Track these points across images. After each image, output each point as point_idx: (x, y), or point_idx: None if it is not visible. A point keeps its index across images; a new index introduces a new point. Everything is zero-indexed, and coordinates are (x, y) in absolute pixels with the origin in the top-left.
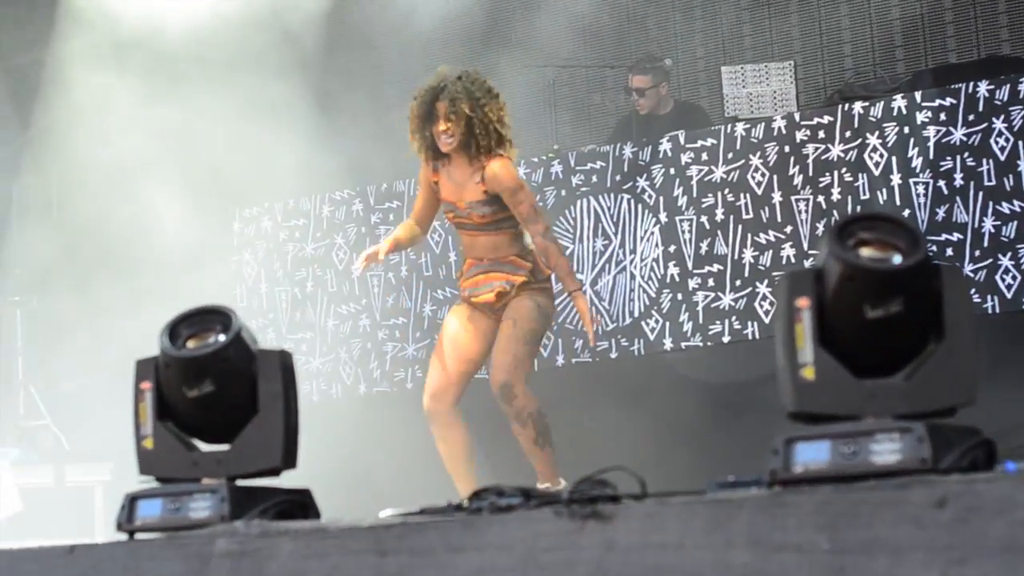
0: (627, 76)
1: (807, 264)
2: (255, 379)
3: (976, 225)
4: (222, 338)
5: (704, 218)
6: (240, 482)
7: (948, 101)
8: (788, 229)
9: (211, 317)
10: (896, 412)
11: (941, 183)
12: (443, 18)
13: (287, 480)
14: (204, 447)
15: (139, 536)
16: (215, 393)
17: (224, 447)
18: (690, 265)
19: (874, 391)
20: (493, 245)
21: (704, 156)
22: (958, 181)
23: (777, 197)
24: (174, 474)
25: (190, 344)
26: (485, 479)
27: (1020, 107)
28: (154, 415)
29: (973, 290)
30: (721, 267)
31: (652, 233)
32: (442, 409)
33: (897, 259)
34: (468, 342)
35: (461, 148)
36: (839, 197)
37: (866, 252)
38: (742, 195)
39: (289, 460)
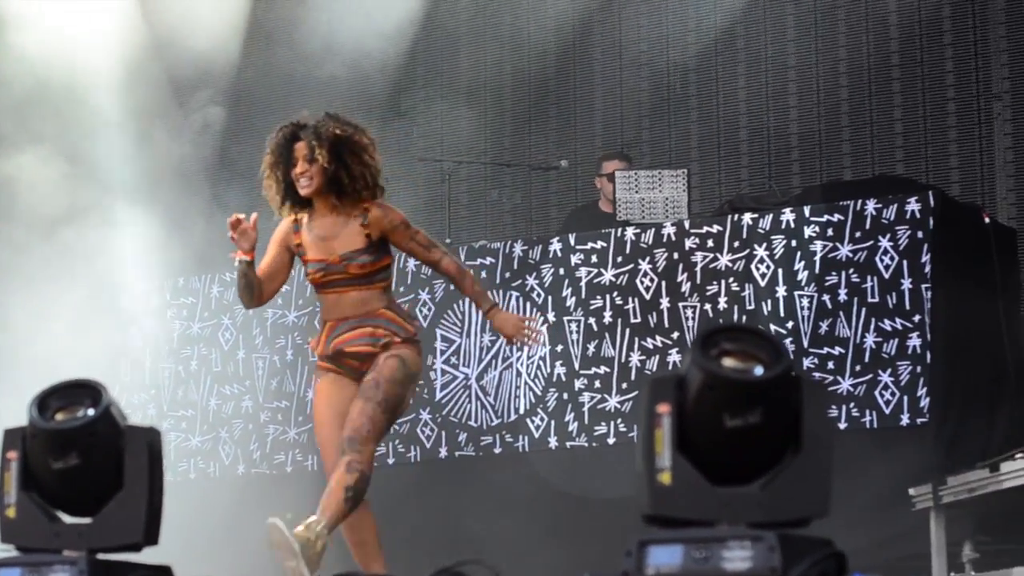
0: (598, 164)
1: None
2: (122, 454)
3: (858, 340)
4: (91, 412)
5: (592, 320)
6: (101, 556)
7: (836, 217)
8: (675, 335)
9: (81, 391)
10: (750, 520)
11: (826, 297)
12: (346, 92)
13: (150, 556)
14: (68, 519)
15: None
16: (81, 466)
17: (87, 520)
18: (577, 365)
19: (729, 499)
20: (362, 300)
21: (594, 258)
22: (842, 296)
23: (665, 303)
24: (36, 544)
25: (59, 416)
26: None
27: (906, 227)
28: (18, 484)
29: (852, 404)
30: (608, 369)
31: (539, 332)
32: None
33: (759, 370)
34: (349, 411)
35: (324, 193)
36: (725, 306)
37: (728, 362)
38: (630, 299)
39: (151, 536)
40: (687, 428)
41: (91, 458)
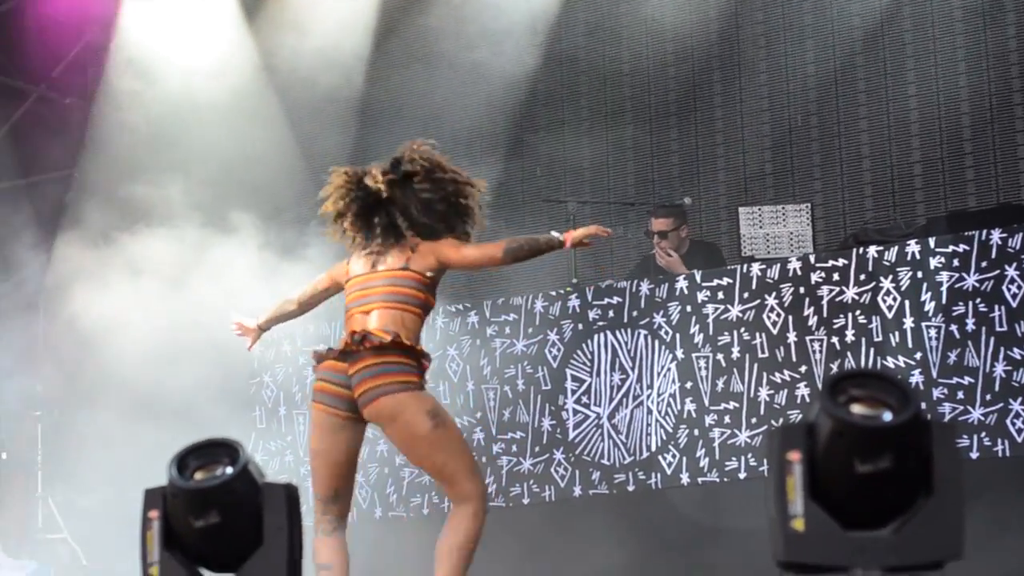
0: (648, 220)
1: None
2: (260, 511)
3: (987, 370)
4: (229, 470)
5: (720, 355)
6: None
7: (961, 247)
8: (803, 369)
9: (219, 449)
10: (884, 565)
11: (953, 327)
12: (469, 131)
13: None
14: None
15: None
16: (221, 524)
17: None
18: (706, 401)
19: (863, 544)
20: None
21: (720, 295)
22: (970, 326)
23: (792, 337)
24: None
25: (198, 475)
26: None
27: None
28: (161, 543)
29: (984, 433)
30: (737, 404)
31: (669, 369)
32: None
33: (887, 416)
34: None
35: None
36: (853, 339)
37: (857, 409)
38: (758, 334)
39: None
40: (818, 475)
41: (231, 515)
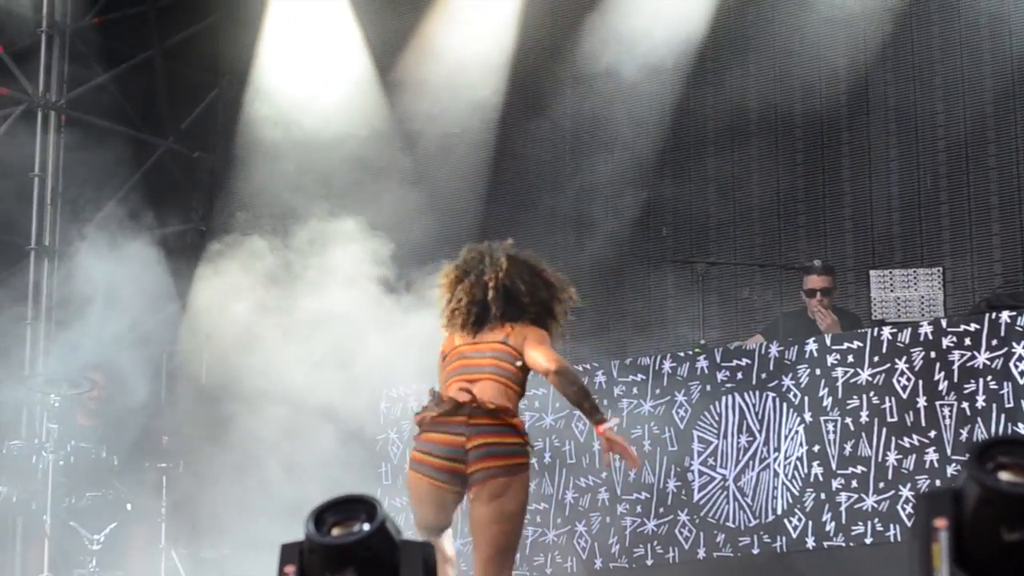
0: (803, 278)
1: (951, 469)
2: (397, 569)
3: None
4: (366, 527)
5: (849, 419)
6: None
7: None
8: (932, 434)
9: (357, 506)
10: None
11: None
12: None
13: None
14: None
15: None
16: None
17: None
18: (834, 465)
19: None
20: None
21: (850, 358)
22: None
23: (922, 401)
24: None
25: (335, 531)
26: None
27: None
28: None
29: None
30: (865, 468)
31: (796, 432)
32: None
33: None
34: None
35: None
36: (984, 404)
37: (1005, 476)
38: (887, 398)
39: None
40: (964, 542)
41: (367, 572)
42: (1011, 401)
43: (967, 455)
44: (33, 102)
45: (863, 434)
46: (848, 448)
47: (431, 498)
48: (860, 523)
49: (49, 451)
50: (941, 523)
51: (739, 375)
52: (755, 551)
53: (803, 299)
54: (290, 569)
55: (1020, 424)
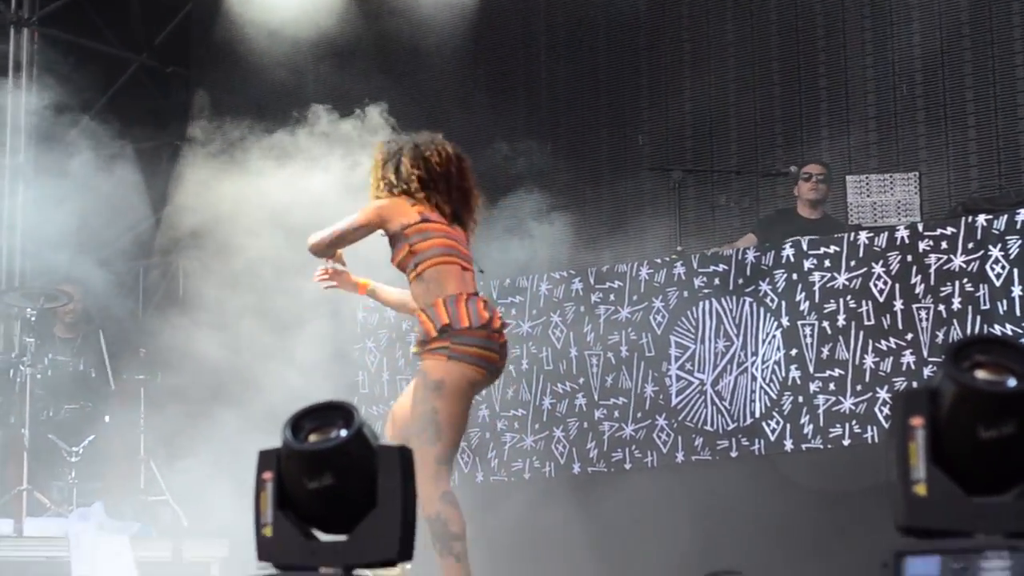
0: (799, 168)
1: (927, 371)
2: (375, 474)
3: None
4: (344, 433)
5: (826, 323)
6: (357, 572)
7: None
8: (909, 336)
9: (334, 412)
10: (1007, 530)
11: None
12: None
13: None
14: (323, 537)
15: None
16: (335, 486)
17: (342, 537)
18: (811, 369)
19: (985, 509)
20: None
21: (827, 263)
22: None
23: (899, 305)
24: (293, 561)
25: (312, 438)
26: None
27: None
28: (274, 504)
29: None
30: (842, 372)
31: (774, 336)
32: None
33: (1012, 382)
34: None
35: None
36: (959, 307)
37: (981, 374)
38: (864, 302)
39: (405, 552)
40: (941, 440)
41: (345, 478)
42: (987, 303)
43: (943, 355)
44: (5, 19)
45: (840, 337)
46: (825, 351)
47: (468, 409)
48: (838, 425)
49: (27, 364)
50: (917, 421)
51: (716, 280)
52: (733, 454)
53: (796, 192)
54: (268, 475)
55: (995, 326)
